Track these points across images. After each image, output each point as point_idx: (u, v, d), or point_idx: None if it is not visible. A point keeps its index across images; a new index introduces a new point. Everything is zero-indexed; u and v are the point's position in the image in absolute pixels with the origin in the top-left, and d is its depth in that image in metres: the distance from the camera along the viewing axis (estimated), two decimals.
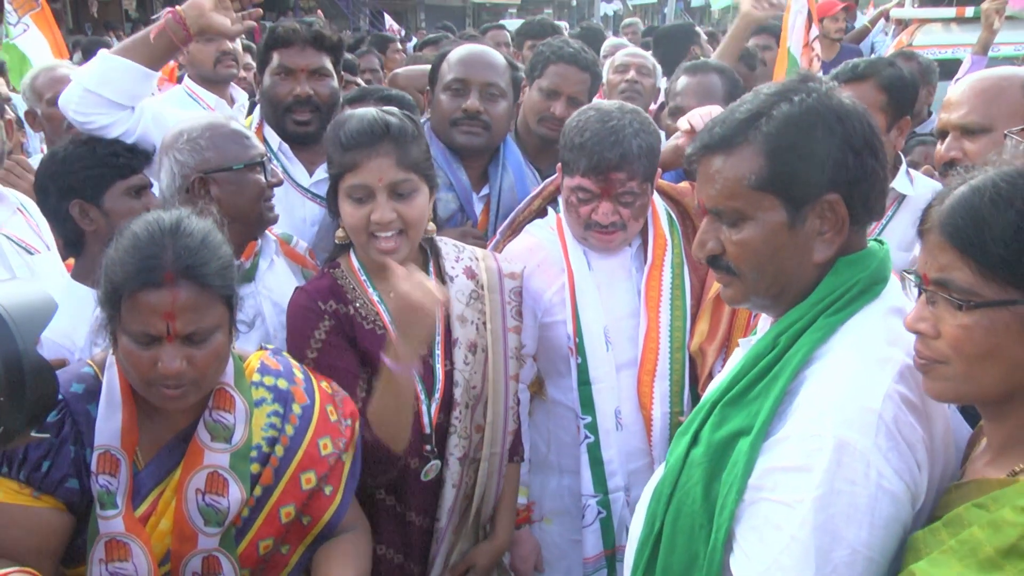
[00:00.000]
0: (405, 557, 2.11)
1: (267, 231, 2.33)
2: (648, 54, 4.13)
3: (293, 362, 1.87)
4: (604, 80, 3.88)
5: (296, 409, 1.77)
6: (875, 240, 1.45)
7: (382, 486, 2.03)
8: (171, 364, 1.55)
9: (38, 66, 3.46)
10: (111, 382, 1.64)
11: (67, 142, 2.38)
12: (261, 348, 1.88)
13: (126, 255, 1.56)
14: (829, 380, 1.29)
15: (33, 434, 1.49)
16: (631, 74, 3.77)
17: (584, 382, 2.26)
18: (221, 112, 3.46)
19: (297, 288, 2.09)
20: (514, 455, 2.26)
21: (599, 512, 2.29)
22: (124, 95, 2.36)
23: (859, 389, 1.26)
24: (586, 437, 2.27)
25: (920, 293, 1.25)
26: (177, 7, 2.45)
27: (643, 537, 1.48)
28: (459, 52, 2.70)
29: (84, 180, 2.23)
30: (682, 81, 3.06)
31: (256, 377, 1.77)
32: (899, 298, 1.39)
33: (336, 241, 2.09)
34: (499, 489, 2.21)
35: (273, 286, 2.26)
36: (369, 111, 1.98)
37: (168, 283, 1.53)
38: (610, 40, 5.25)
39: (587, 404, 2.27)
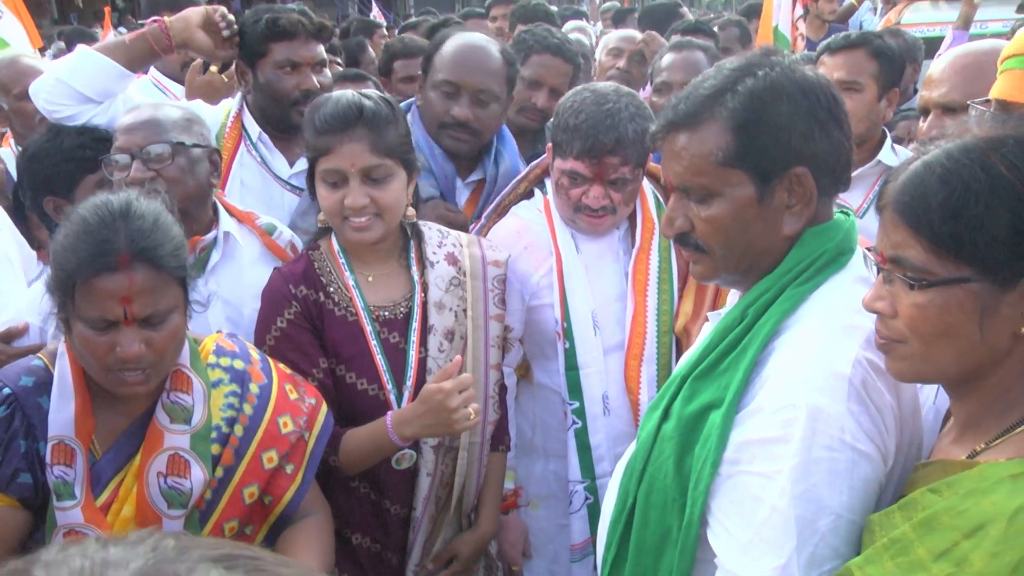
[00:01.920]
0: (383, 546, 2.13)
1: (242, 222, 2.31)
2: (639, 36, 4.14)
3: (249, 344, 1.90)
4: (597, 61, 3.90)
5: (254, 388, 1.78)
6: (841, 212, 1.47)
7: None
8: (130, 348, 1.55)
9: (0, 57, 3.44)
10: (62, 371, 1.64)
11: (37, 137, 2.41)
12: (217, 332, 1.91)
13: (77, 241, 1.56)
14: (798, 349, 1.32)
15: None
16: (623, 61, 3.80)
17: (572, 367, 2.28)
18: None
19: (275, 269, 2.12)
20: (499, 444, 2.27)
21: (586, 498, 2.31)
22: (95, 90, 2.41)
23: (828, 355, 1.29)
24: (573, 423, 2.29)
25: (878, 272, 1.26)
26: (165, 18, 2.50)
27: (616, 513, 1.51)
28: (454, 48, 2.60)
29: (54, 176, 2.27)
30: (667, 58, 3.11)
31: (212, 359, 1.78)
32: (865, 268, 1.42)
33: (318, 224, 2.12)
34: (480, 478, 2.22)
35: (225, 281, 2.23)
36: (345, 94, 2.01)
37: (123, 267, 1.54)
38: (571, 23, 5.21)
39: (575, 389, 2.29)
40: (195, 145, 2.16)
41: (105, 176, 2.17)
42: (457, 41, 2.63)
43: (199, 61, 3.13)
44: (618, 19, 7.62)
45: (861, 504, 1.26)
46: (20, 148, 3.39)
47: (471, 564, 2.26)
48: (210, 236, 2.22)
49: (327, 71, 2.71)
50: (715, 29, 4.33)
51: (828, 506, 1.24)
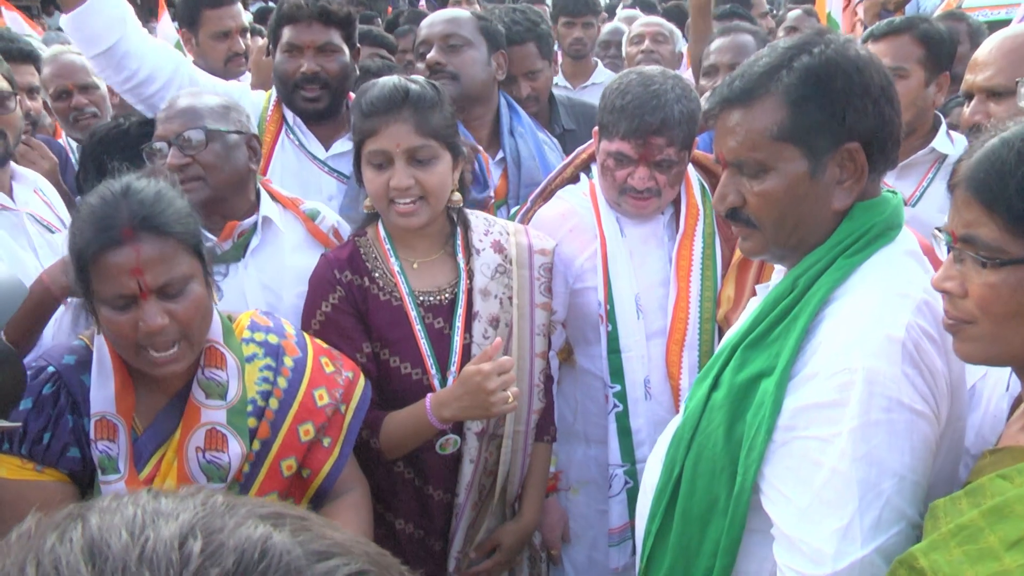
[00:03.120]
0: (426, 532, 2.17)
1: (286, 208, 2.36)
2: (663, 21, 4.19)
3: (284, 320, 1.95)
4: (624, 53, 3.94)
5: (288, 362, 1.83)
6: (889, 190, 1.49)
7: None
8: (153, 321, 1.59)
9: (46, 54, 3.55)
10: (101, 351, 1.70)
11: (104, 123, 2.49)
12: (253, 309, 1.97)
13: (84, 224, 1.62)
14: (851, 316, 1.36)
15: (0, 423, 1.52)
16: (646, 44, 3.85)
17: (614, 350, 2.32)
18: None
19: (322, 255, 2.18)
20: (544, 434, 2.30)
21: (626, 482, 2.34)
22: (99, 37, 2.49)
23: (881, 320, 1.33)
24: (615, 406, 2.33)
25: (949, 251, 1.27)
26: None
27: (661, 484, 1.55)
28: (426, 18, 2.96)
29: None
30: (716, 42, 3.16)
31: (247, 334, 1.84)
32: (913, 243, 1.45)
33: (364, 210, 2.17)
34: (524, 467, 2.25)
35: (266, 266, 2.27)
36: (392, 78, 2.08)
37: (128, 239, 1.58)
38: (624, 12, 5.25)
39: (616, 373, 2.32)
40: (232, 131, 2.22)
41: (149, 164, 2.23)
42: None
43: (264, 43, 3.20)
44: (645, 6, 7.46)
45: (922, 465, 1.30)
46: (71, 141, 3.51)
47: (514, 555, 2.29)
48: (249, 221, 2.27)
49: (341, 56, 2.73)
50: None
51: (891, 468, 1.27)
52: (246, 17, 4.43)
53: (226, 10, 3.82)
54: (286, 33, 2.69)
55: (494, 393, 1.91)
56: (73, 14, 2.46)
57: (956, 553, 1.12)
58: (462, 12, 2.92)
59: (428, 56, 2.75)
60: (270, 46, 2.79)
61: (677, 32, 4.11)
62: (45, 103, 3.46)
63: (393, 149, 2.00)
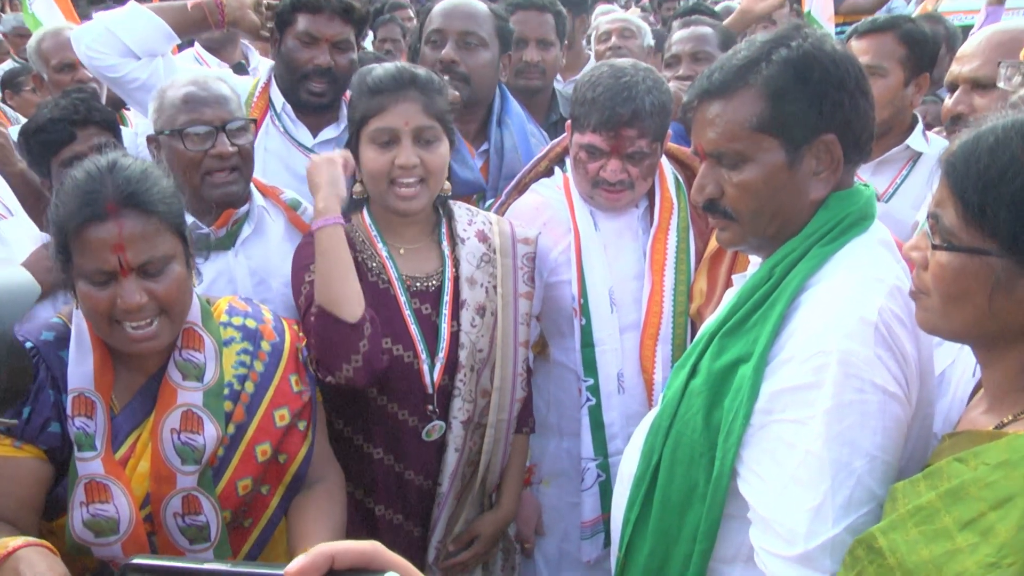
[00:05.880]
0: (405, 518, 2.21)
1: (266, 196, 2.41)
2: (631, 15, 4.25)
3: (263, 305, 1.99)
4: (592, 51, 3.99)
5: (265, 346, 1.87)
6: (861, 183, 1.56)
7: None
8: (131, 298, 1.62)
9: (43, 29, 3.54)
10: (79, 327, 1.72)
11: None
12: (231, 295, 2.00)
13: (68, 197, 1.65)
14: (825, 301, 1.43)
15: (0, 419, 1.56)
16: (613, 40, 3.92)
17: (587, 344, 2.37)
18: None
19: (305, 234, 2.20)
20: (523, 426, 2.36)
21: (598, 475, 2.39)
22: (141, 46, 2.56)
23: (855, 304, 1.39)
24: (587, 399, 2.38)
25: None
26: None
27: (640, 472, 1.60)
28: (441, 3, 2.85)
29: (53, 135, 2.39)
30: (677, 33, 3.25)
31: (224, 318, 1.87)
32: (885, 233, 1.52)
33: (353, 196, 2.20)
34: (505, 457, 2.30)
35: (255, 254, 2.33)
36: (395, 63, 2.15)
37: (112, 214, 1.61)
38: (602, 7, 5.31)
39: (590, 366, 2.37)
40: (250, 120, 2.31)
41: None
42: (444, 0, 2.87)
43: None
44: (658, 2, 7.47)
45: (894, 446, 1.36)
46: None
47: (491, 545, 2.34)
48: (243, 209, 2.31)
49: (352, 54, 2.78)
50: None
51: (862, 447, 1.33)
52: None
53: None
54: (302, 21, 2.69)
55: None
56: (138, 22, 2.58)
57: (913, 533, 1.18)
58: (480, 6, 2.83)
59: (444, 52, 2.72)
60: (276, 29, 2.76)
61: (645, 27, 4.16)
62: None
63: (401, 127, 2.04)
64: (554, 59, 3.25)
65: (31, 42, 3.59)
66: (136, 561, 0.67)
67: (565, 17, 3.34)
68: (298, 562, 0.64)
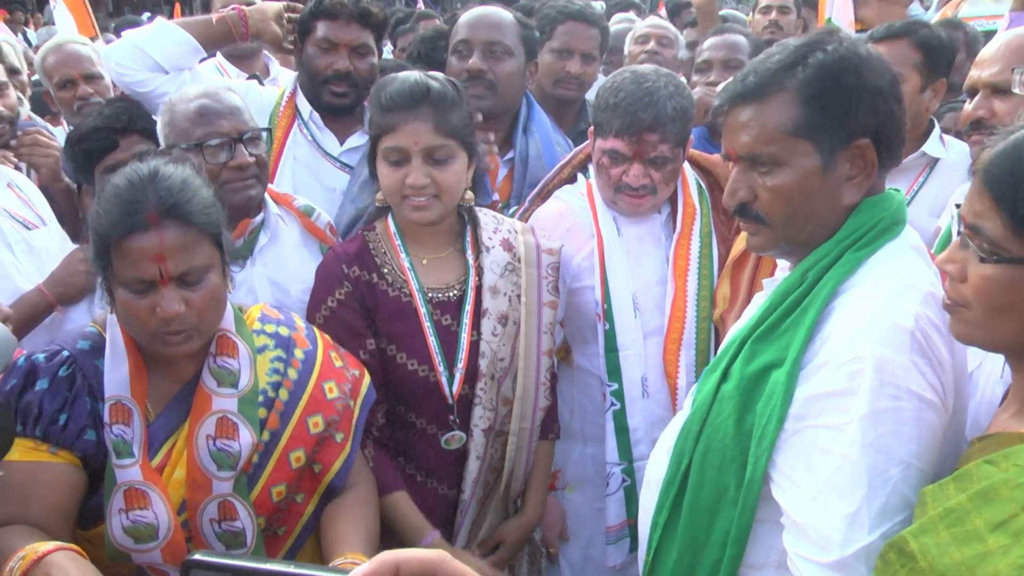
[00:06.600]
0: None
1: (279, 204, 2.43)
2: (670, 24, 4.27)
3: (294, 313, 2.01)
4: (626, 52, 4.01)
5: (298, 354, 1.88)
6: (891, 188, 1.56)
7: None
8: (170, 307, 1.64)
9: (46, 45, 3.56)
10: (114, 335, 1.74)
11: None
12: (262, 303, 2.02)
13: (110, 205, 1.66)
14: (860, 306, 1.43)
15: None
16: (651, 45, 3.93)
17: (611, 349, 2.38)
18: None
19: (331, 249, 2.24)
20: (548, 432, 2.37)
21: (623, 480, 2.40)
22: (168, 59, 2.63)
23: (890, 310, 1.40)
24: (612, 404, 2.39)
25: (959, 233, 1.32)
26: (245, 7, 2.73)
27: (669, 476, 1.60)
28: (467, 14, 2.91)
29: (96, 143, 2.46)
30: (709, 40, 3.27)
31: (257, 325, 1.89)
32: (917, 239, 1.53)
33: (376, 204, 2.22)
34: (529, 464, 2.31)
35: (272, 263, 2.35)
36: (412, 74, 2.12)
37: (153, 225, 1.63)
38: (619, 15, 5.32)
39: (614, 371, 2.38)
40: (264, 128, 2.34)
41: (192, 159, 2.27)
42: (470, 9, 2.91)
43: None
44: (674, 12, 7.59)
45: (928, 453, 1.37)
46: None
47: (516, 550, 2.35)
48: (258, 218, 2.34)
49: (372, 58, 2.83)
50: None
51: (898, 455, 1.34)
52: None
53: None
54: (321, 28, 2.76)
55: None
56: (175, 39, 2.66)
57: (944, 536, 1.18)
58: (505, 15, 2.86)
59: (471, 61, 2.76)
60: (298, 38, 2.84)
61: (682, 39, 4.18)
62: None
63: (411, 147, 2.04)
64: (593, 73, 3.29)
65: (37, 57, 3.59)
66: (198, 557, 0.67)
67: (609, 33, 3.39)
68: (363, 569, 0.64)
